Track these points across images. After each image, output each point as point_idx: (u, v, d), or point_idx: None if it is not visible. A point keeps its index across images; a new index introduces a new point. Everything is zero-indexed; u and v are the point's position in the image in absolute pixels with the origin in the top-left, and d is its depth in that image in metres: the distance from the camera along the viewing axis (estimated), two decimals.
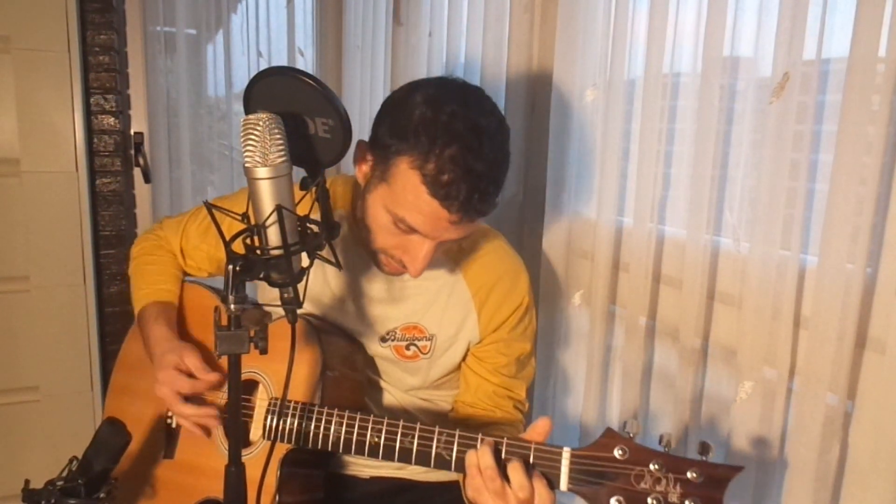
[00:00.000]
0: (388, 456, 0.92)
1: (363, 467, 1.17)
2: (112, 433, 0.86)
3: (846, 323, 0.82)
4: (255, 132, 0.75)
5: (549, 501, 0.81)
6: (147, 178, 1.91)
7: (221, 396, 1.08)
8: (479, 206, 0.90)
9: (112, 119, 1.81)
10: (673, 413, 1.09)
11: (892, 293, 0.79)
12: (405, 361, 1.10)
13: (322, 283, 1.11)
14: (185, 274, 1.25)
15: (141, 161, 1.89)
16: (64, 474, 0.85)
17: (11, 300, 1.75)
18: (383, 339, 1.10)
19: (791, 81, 0.86)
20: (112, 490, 0.86)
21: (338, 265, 0.85)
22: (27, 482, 0.85)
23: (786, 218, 0.89)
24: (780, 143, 0.88)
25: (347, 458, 1.16)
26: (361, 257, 1.09)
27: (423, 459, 0.90)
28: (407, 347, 1.10)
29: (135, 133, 1.91)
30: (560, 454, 0.83)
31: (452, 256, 1.09)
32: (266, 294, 1.14)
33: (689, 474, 0.78)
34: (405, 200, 0.90)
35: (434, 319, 1.09)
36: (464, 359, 1.12)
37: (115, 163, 1.83)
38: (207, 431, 1.04)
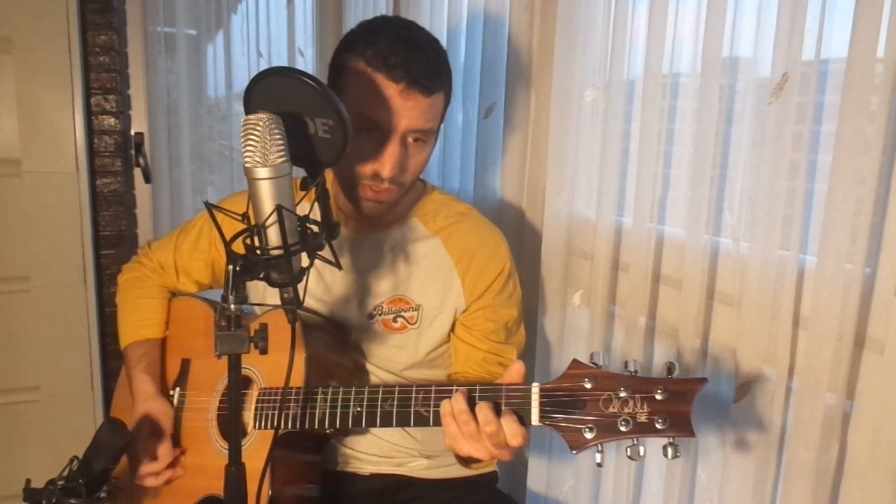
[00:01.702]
0: (371, 423, 0.93)
1: (363, 464, 1.17)
2: (112, 433, 0.86)
3: (845, 323, 0.82)
4: (255, 132, 0.75)
5: (520, 435, 0.83)
6: (147, 179, 1.92)
7: (218, 392, 1.08)
8: (420, 75, 0.97)
9: (112, 119, 1.81)
10: None
11: (891, 293, 0.79)
12: (394, 334, 1.11)
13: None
14: (174, 295, 1.26)
15: (141, 161, 1.89)
16: (65, 474, 0.85)
17: (12, 300, 1.76)
18: (370, 316, 1.12)
19: (790, 82, 0.86)
20: (112, 490, 0.86)
21: (338, 265, 0.86)
22: (28, 482, 0.86)
23: (785, 218, 0.89)
24: (780, 143, 0.88)
25: (348, 454, 1.17)
26: (344, 236, 1.11)
27: (403, 420, 0.91)
28: (394, 320, 1.11)
29: (135, 133, 1.91)
30: (529, 391, 0.85)
31: (432, 229, 1.13)
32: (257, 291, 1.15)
33: (655, 394, 0.79)
34: (359, 93, 0.98)
35: (418, 290, 1.11)
36: (452, 330, 1.13)
37: (115, 163, 1.84)
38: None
